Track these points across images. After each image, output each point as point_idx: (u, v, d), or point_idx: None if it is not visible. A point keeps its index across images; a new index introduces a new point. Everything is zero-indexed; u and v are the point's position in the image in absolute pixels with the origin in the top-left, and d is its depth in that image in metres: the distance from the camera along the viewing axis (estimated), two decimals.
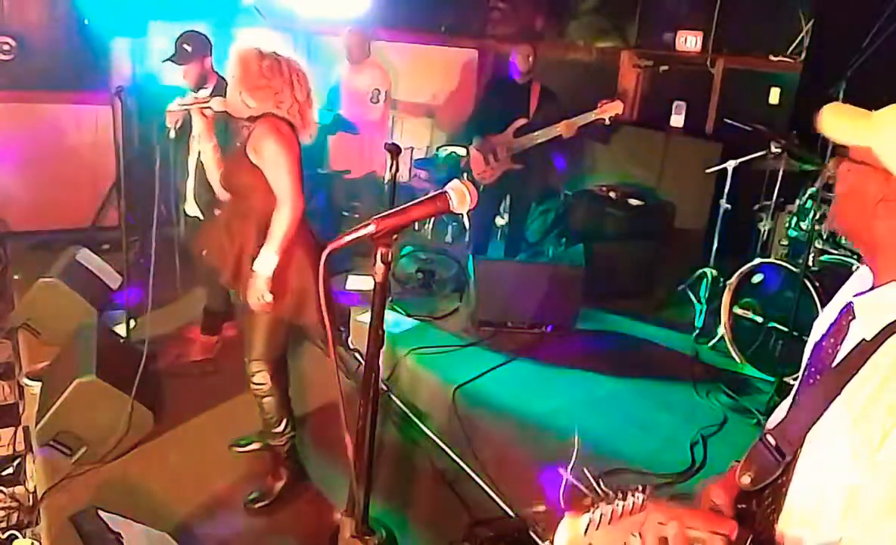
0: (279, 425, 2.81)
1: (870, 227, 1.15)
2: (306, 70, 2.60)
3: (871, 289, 1.19)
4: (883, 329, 1.12)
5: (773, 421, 1.37)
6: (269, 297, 2.49)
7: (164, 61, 3.52)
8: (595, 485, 1.04)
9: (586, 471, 1.06)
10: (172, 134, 3.41)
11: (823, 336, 1.29)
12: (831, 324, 1.28)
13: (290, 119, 2.54)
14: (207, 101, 2.56)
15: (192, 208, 3.73)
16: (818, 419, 1.17)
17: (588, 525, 1.01)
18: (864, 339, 1.15)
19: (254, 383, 2.75)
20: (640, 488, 1.04)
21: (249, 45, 2.54)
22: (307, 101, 2.59)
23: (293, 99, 2.53)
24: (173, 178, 3.74)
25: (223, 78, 3.61)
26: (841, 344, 1.21)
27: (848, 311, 1.23)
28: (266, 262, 2.48)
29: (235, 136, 2.65)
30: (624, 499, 1.03)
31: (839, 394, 1.14)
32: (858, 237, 1.21)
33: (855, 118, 1.15)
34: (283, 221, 2.48)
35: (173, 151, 3.59)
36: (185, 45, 3.46)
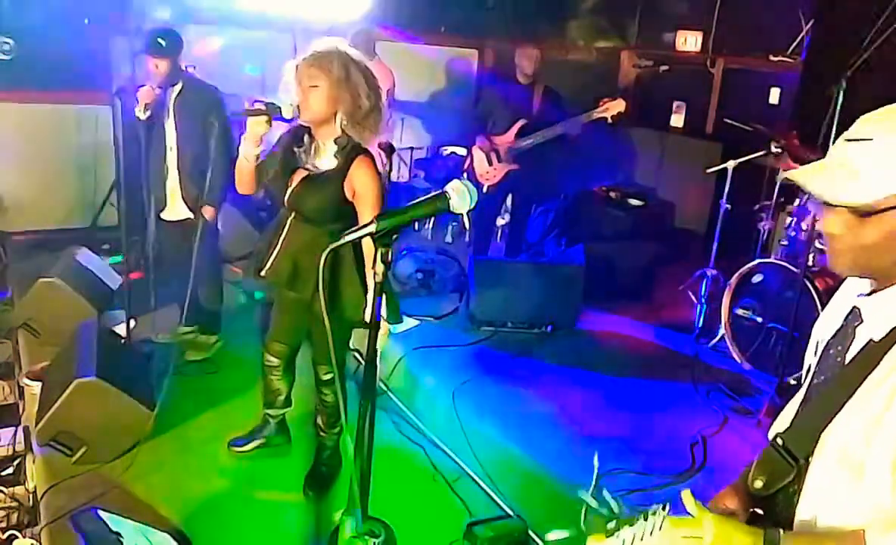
0: (340, 419, 2.87)
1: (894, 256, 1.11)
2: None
3: (875, 291, 1.18)
4: (892, 329, 1.12)
5: (779, 424, 1.36)
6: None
7: (135, 54, 3.51)
8: (615, 507, 1.04)
9: (606, 494, 1.07)
10: (142, 114, 3.40)
11: (830, 340, 1.28)
12: (838, 329, 1.27)
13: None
14: (278, 107, 2.39)
15: (175, 212, 3.69)
16: (830, 422, 1.16)
17: None
18: (871, 340, 1.15)
19: (326, 387, 2.84)
20: (661, 507, 1.04)
21: (357, 59, 2.45)
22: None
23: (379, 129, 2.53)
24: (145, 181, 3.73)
25: (192, 78, 3.62)
26: (849, 347, 1.21)
27: (854, 315, 1.22)
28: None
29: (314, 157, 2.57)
30: (645, 519, 1.02)
31: (852, 396, 1.14)
32: (880, 270, 1.15)
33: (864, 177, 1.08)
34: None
35: (146, 151, 3.60)
36: (161, 40, 3.46)
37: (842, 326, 1.26)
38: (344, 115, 2.44)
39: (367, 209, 2.49)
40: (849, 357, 1.19)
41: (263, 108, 2.37)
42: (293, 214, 2.59)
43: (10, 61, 5.05)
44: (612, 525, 1.02)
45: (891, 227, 1.08)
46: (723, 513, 1.31)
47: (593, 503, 1.00)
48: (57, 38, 4.98)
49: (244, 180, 2.52)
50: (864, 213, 1.08)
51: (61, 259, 4.06)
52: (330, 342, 1.66)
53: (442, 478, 3.04)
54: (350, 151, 2.48)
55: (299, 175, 2.54)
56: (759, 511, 1.29)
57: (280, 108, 2.38)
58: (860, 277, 1.19)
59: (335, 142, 2.49)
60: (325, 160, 2.52)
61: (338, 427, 2.94)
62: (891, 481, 1.08)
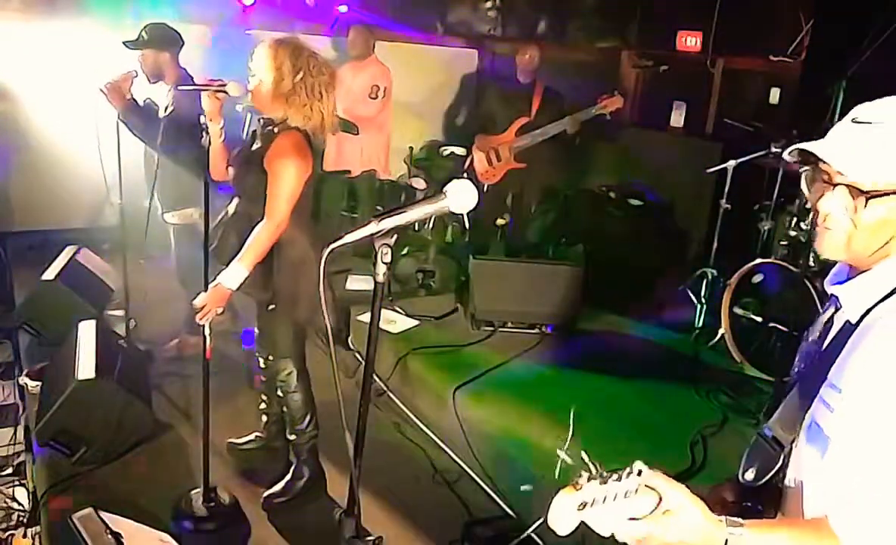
0: (303, 422, 2.83)
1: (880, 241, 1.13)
2: (333, 70, 2.51)
3: (850, 279, 1.20)
4: (866, 311, 1.14)
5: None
6: (218, 311, 2.44)
7: (122, 42, 3.45)
8: (591, 465, 1.02)
9: (583, 454, 1.05)
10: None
11: (808, 330, 1.33)
12: (817, 318, 1.31)
13: (312, 130, 2.49)
14: (224, 84, 2.45)
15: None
16: (810, 405, 1.19)
17: (581, 503, 1.00)
18: (847, 322, 1.18)
19: (280, 381, 2.78)
20: (636, 471, 1.03)
21: (282, 45, 2.43)
22: (334, 107, 2.51)
23: (320, 113, 2.46)
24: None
25: (189, 75, 3.59)
26: (828, 333, 1.24)
27: (831, 304, 1.26)
28: (234, 277, 2.43)
29: (252, 135, 2.61)
30: (619, 480, 1.02)
31: (826, 378, 1.16)
32: (864, 256, 1.16)
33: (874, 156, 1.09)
34: (263, 237, 2.44)
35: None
36: (144, 33, 3.43)
37: (819, 315, 1.30)
38: (265, 92, 2.43)
39: (272, 189, 2.42)
40: (826, 342, 1.23)
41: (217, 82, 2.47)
42: (237, 196, 2.63)
43: None
44: (582, 479, 1.01)
45: (882, 213, 1.10)
46: (721, 502, 1.32)
47: (569, 460, 0.98)
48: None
49: (214, 162, 2.59)
50: (866, 194, 1.09)
51: (61, 259, 4.06)
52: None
53: (442, 478, 3.04)
54: (273, 129, 2.48)
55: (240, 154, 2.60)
56: (748, 504, 1.30)
57: (226, 84, 2.45)
58: (844, 262, 1.20)
59: (260, 119, 2.53)
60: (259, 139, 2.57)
61: (307, 428, 2.83)
62: (849, 458, 1.10)
